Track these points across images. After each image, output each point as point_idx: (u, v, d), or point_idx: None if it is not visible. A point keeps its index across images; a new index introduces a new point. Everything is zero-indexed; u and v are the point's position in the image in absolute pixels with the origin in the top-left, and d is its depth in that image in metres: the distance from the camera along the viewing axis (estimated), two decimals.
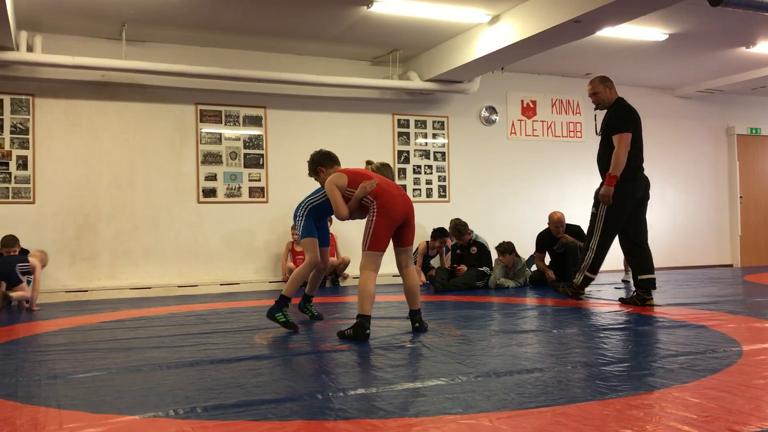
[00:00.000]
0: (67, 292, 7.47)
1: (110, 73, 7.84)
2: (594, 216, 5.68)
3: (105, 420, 2.42)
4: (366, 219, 4.46)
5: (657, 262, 6.11)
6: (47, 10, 7.00)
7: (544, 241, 7.90)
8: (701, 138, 11.75)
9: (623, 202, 5.61)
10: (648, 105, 11.35)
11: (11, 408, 2.65)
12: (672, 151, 11.49)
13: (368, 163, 5.02)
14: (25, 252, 7.21)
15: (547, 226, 7.91)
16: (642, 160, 5.78)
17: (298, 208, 4.89)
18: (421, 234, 8.65)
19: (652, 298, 5.67)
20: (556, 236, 7.69)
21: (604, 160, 5.71)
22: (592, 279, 5.87)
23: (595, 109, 5.99)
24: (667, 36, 8.15)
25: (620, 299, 5.96)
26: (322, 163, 4.83)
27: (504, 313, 5.57)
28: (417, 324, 4.48)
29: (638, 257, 5.71)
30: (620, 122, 5.58)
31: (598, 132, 5.86)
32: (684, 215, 11.54)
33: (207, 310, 6.07)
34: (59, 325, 5.29)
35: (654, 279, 5.70)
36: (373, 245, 4.33)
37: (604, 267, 9.07)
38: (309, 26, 7.73)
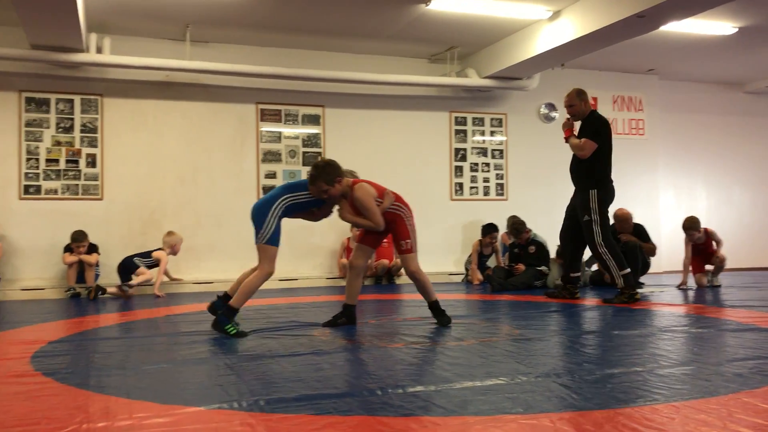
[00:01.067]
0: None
1: (174, 74, 8.05)
2: (589, 223, 6.00)
3: (172, 410, 2.49)
4: (398, 224, 4.62)
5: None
6: (115, 13, 7.24)
7: None
8: None
9: (608, 205, 6.10)
10: (715, 101, 11.03)
11: (84, 396, 2.75)
12: (740, 148, 11.13)
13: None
14: (93, 247, 7.49)
15: (612, 224, 7.71)
16: (611, 170, 6.18)
17: (267, 203, 4.45)
18: (475, 232, 8.60)
19: (578, 291, 6.39)
20: (620, 232, 7.49)
21: (579, 170, 6.14)
22: (629, 272, 6.03)
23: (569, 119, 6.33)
24: (736, 29, 7.89)
25: (546, 293, 6.58)
26: (339, 173, 4.50)
27: (563, 313, 5.50)
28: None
29: (577, 256, 6.34)
30: (595, 132, 5.98)
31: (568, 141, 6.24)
32: (752, 215, 11.16)
33: (267, 305, 6.17)
34: (126, 318, 5.47)
35: (581, 276, 6.50)
36: (415, 247, 4.66)
37: (667, 268, 8.86)
38: (367, 25, 7.78)
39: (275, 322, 4.93)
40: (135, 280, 7.16)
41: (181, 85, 8.20)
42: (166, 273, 7.52)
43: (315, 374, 3.12)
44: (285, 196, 4.48)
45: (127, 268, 7.32)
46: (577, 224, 6.14)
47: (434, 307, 4.72)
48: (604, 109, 10.16)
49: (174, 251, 7.60)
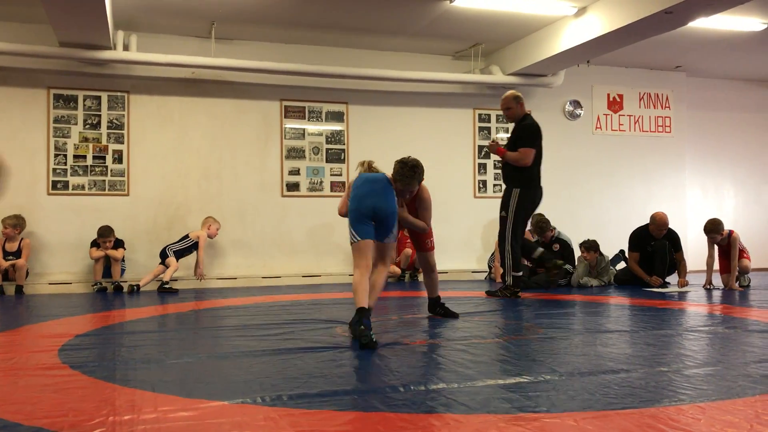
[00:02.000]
0: (158, 281, 7.78)
1: (200, 71, 8.11)
2: (504, 219, 6.22)
3: (196, 404, 2.52)
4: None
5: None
6: (142, 10, 7.31)
7: (640, 239, 7.59)
8: None
9: (527, 207, 6.28)
10: (743, 98, 10.87)
11: (110, 389, 2.79)
12: None
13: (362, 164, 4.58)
14: (119, 242, 7.58)
15: (642, 224, 7.63)
16: (540, 172, 6.36)
17: (393, 200, 4.21)
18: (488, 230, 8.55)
19: (519, 291, 6.34)
20: (657, 237, 7.40)
21: (508, 170, 6.30)
22: (521, 275, 6.34)
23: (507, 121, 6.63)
24: (765, 26, 7.76)
25: (486, 292, 6.62)
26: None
27: (587, 311, 5.46)
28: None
29: (517, 257, 6.32)
30: (530, 138, 6.21)
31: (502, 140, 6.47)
32: None
33: (290, 301, 6.21)
34: (151, 312, 5.53)
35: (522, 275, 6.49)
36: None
37: (693, 268, 8.75)
38: (391, 22, 7.77)
39: (298, 318, 4.95)
40: (146, 278, 7.42)
41: (206, 82, 8.27)
42: (199, 272, 7.64)
43: (337, 370, 3.13)
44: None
45: (162, 257, 7.55)
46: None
47: (438, 302, 5.02)
48: (631, 107, 10.07)
49: (211, 233, 7.79)
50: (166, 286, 7.26)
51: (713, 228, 7.07)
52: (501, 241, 6.31)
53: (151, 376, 3.03)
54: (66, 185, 7.85)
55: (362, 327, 3.69)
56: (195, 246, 7.67)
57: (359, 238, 4.05)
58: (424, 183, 4.53)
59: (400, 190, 4.29)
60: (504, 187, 6.39)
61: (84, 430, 2.23)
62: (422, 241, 4.84)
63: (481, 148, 9.39)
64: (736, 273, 7.12)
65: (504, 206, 6.26)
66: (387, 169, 4.47)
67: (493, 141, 6.39)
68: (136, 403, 2.56)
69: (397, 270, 8.44)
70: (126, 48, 7.68)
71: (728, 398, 2.57)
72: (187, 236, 7.70)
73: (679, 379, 2.91)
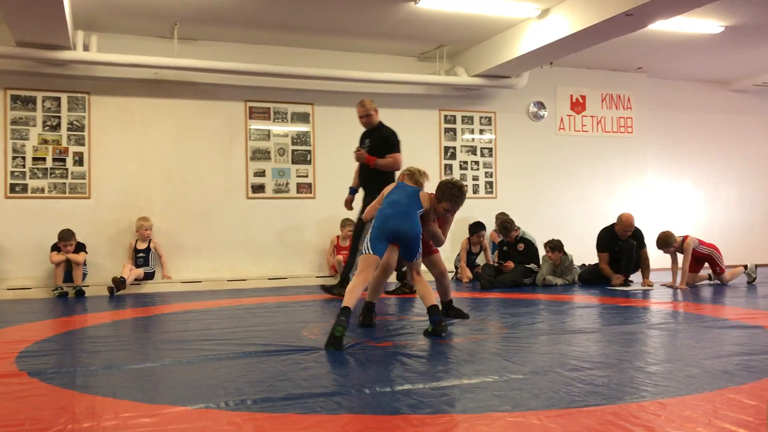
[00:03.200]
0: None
1: (162, 71, 8.01)
2: (363, 222, 5.99)
3: (158, 410, 2.48)
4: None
5: None
6: (103, 10, 7.19)
7: (606, 240, 7.64)
8: (757, 133, 11.42)
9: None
10: (701, 100, 11.10)
11: (70, 397, 2.74)
12: (726, 146, 11.21)
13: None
14: (81, 246, 7.44)
15: (608, 224, 7.72)
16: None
17: (417, 224, 4.37)
18: (466, 230, 8.61)
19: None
20: (623, 238, 7.49)
21: (370, 175, 6.34)
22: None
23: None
24: (722, 28, 7.93)
25: (321, 287, 6.74)
26: None
27: (552, 310, 5.51)
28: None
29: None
30: (397, 144, 6.43)
31: (362, 148, 6.44)
32: (738, 213, 11.24)
33: (256, 304, 6.16)
34: (113, 317, 5.43)
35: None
36: None
37: (656, 266, 8.92)
38: (356, 23, 7.76)
39: (263, 321, 4.92)
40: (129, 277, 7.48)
41: (169, 83, 8.16)
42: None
43: (303, 373, 3.11)
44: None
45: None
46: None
47: (451, 305, 5.01)
48: (593, 107, 10.21)
49: (142, 235, 7.77)
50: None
51: (664, 242, 7.17)
52: (356, 242, 6.28)
53: (112, 382, 2.98)
54: (25, 188, 7.68)
55: (341, 318, 3.80)
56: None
57: (371, 252, 4.21)
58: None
59: (444, 211, 4.49)
60: (364, 194, 6.39)
61: None
62: (426, 245, 4.78)
63: (447, 149, 9.43)
64: (686, 276, 7.20)
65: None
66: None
67: (359, 150, 6.36)
68: (96, 410, 2.52)
69: None
70: (86, 48, 7.54)
71: (688, 394, 2.61)
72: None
73: (640, 376, 2.95)
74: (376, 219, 4.36)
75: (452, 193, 4.43)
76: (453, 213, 4.58)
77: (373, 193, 6.03)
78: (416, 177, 4.66)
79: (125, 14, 7.34)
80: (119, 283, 7.23)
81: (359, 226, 6.30)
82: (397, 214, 4.29)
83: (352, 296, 3.99)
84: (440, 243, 4.73)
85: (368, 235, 4.30)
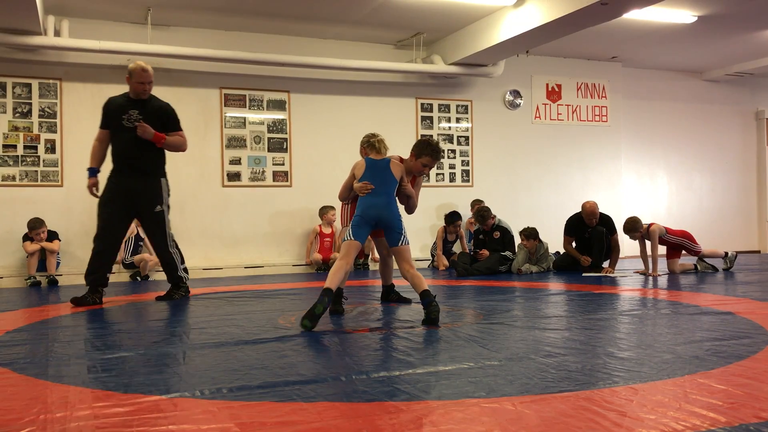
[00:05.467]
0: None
1: (136, 58, 7.88)
2: (162, 213, 5.43)
3: (132, 399, 2.46)
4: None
5: None
6: None
7: (574, 225, 7.79)
8: (729, 122, 11.58)
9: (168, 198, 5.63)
10: (675, 89, 11.22)
11: (42, 386, 2.70)
12: (699, 135, 11.36)
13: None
14: (53, 234, 7.35)
15: (577, 211, 7.81)
16: None
17: (395, 205, 4.43)
18: (442, 219, 8.63)
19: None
20: (591, 225, 7.59)
21: (147, 158, 5.40)
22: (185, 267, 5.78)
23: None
24: (696, 18, 8.01)
25: (157, 298, 5.67)
26: None
27: (527, 298, 5.56)
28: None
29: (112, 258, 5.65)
30: (178, 120, 5.57)
31: (135, 122, 5.33)
32: (710, 201, 11.41)
33: (231, 293, 6.13)
34: (87, 306, 5.37)
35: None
36: None
37: (628, 253, 9.00)
38: (333, 10, 7.72)
39: (240, 310, 4.90)
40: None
41: None
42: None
43: (279, 361, 3.11)
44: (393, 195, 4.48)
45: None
46: (124, 219, 5.47)
47: (392, 289, 5.19)
48: (569, 96, 10.27)
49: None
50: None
51: (631, 227, 7.26)
52: (164, 237, 5.47)
53: (86, 372, 2.95)
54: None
55: (324, 299, 3.90)
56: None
57: (352, 238, 4.28)
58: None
59: (422, 167, 4.64)
60: (145, 178, 5.42)
61: (13, 429, 2.15)
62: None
63: (423, 137, 9.41)
64: (657, 263, 7.29)
65: (157, 199, 5.41)
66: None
67: (142, 123, 5.28)
68: (70, 399, 2.49)
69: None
70: (57, 34, 7.42)
71: (659, 379, 2.65)
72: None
73: (613, 361, 2.99)
74: (358, 206, 4.39)
75: (432, 149, 4.62)
76: (430, 169, 4.73)
77: (155, 179, 5.38)
78: (379, 147, 4.59)
79: None
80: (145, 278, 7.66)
81: (162, 219, 5.49)
82: (376, 204, 4.32)
83: (335, 279, 4.06)
84: (413, 206, 4.77)
85: (350, 222, 4.39)
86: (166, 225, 5.50)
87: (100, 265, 5.36)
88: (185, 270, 5.74)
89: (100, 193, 5.47)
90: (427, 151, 4.61)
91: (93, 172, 5.48)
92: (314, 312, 3.86)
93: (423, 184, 9.35)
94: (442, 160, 9.52)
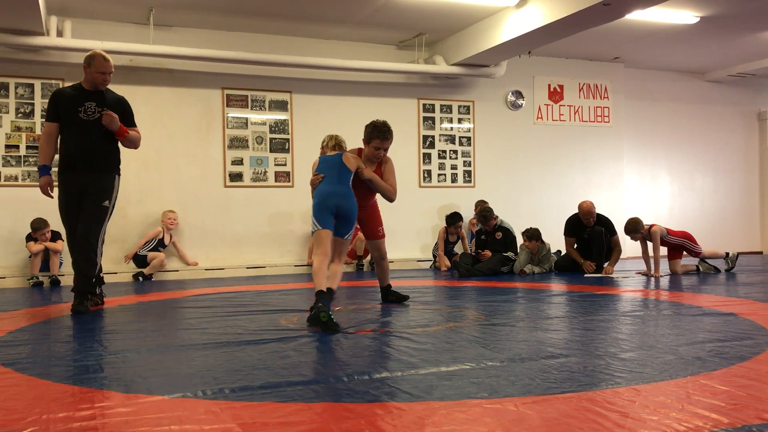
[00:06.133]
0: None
1: (138, 58, 7.90)
2: (105, 210, 5.02)
3: (135, 399, 2.46)
4: (376, 210, 5.00)
5: None
6: None
7: (573, 226, 7.78)
8: (732, 123, 11.57)
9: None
10: (677, 90, 11.21)
11: (45, 387, 2.71)
12: (701, 136, 11.35)
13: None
14: (56, 234, 7.36)
15: (576, 212, 7.80)
16: None
17: (353, 197, 4.50)
18: (439, 219, 8.63)
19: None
20: (588, 225, 7.59)
21: (103, 152, 5.04)
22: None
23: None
24: (698, 19, 8.00)
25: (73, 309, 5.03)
26: None
27: (529, 298, 5.56)
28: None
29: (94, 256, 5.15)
30: (133, 114, 5.22)
31: (93, 115, 4.94)
32: (713, 201, 11.39)
33: (233, 293, 6.13)
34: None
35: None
36: None
37: (630, 254, 8.99)
38: (335, 10, 7.72)
39: (241, 310, 4.90)
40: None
41: (145, 69, 8.06)
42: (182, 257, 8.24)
43: (281, 362, 3.11)
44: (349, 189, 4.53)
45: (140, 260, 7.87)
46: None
47: (390, 289, 5.18)
48: (571, 97, 10.25)
49: (164, 224, 7.98)
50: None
51: (632, 228, 7.25)
52: (96, 234, 4.96)
53: (88, 372, 2.95)
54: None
55: (320, 304, 3.88)
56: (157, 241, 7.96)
57: (320, 227, 4.32)
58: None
59: (375, 150, 4.65)
60: (99, 175, 5.02)
61: (16, 429, 2.15)
62: (374, 229, 5.01)
63: (425, 138, 9.44)
64: (659, 263, 7.27)
65: (106, 195, 5.03)
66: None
67: (108, 111, 4.92)
68: (72, 399, 2.49)
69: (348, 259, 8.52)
70: (60, 34, 7.43)
71: (662, 380, 2.65)
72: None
73: (615, 362, 2.98)
74: (316, 196, 4.47)
75: (378, 130, 4.63)
76: (385, 150, 4.70)
77: (110, 174, 5.06)
78: (336, 141, 4.78)
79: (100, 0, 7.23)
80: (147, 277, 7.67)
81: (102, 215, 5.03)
82: (335, 193, 4.42)
83: (319, 277, 4.11)
84: (391, 195, 4.78)
85: (312, 213, 4.42)
86: (105, 223, 5.04)
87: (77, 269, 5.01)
88: (100, 278, 5.29)
89: (55, 193, 5.05)
90: (374, 134, 4.64)
91: (46, 170, 4.97)
92: (322, 320, 3.79)
93: (426, 184, 9.43)
94: (443, 160, 9.52)
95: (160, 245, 7.94)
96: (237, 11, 7.70)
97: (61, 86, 7.74)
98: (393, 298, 5.15)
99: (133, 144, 5.20)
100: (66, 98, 4.96)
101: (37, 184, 5.04)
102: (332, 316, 3.86)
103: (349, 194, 4.46)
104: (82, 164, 4.96)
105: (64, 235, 7.36)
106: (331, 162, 4.59)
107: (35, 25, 6.85)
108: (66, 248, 7.23)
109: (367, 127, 4.72)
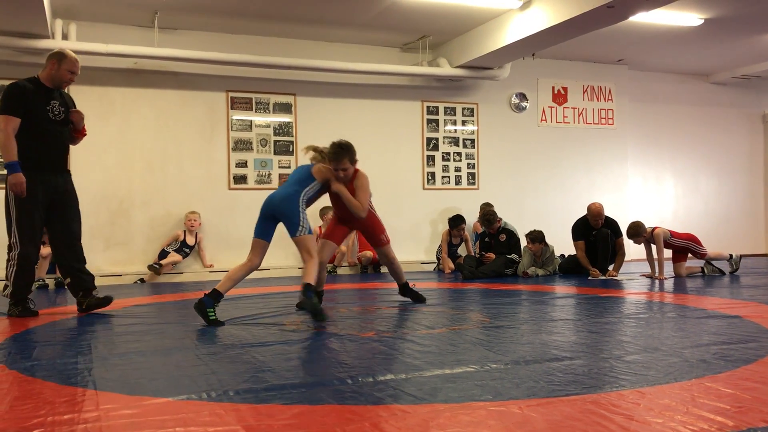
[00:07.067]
0: (102, 276, 7.59)
1: (143, 61, 7.93)
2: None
3: (139, 402, 2.47)
4: (373, 218, 5.04)
5: None
6: None
7: (581, 229, 7.74)
8: (736, 125, 11.55)
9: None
10: (681, 92, 11.19)
11: (50, 388, 2.72)
12: (705, 138, 11.32)
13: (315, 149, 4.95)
14: None
15: (583, 215, 7.77)
16: None
17: (292, 197, 4.49)
18: (442, 221, 8.63)
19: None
20: (596, 227, 7.57)
21: (63, 150, 4.96)
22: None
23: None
24: (702, 21, 7.99)
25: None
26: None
27: (533, 301, 5.55)
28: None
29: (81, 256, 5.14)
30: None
31: (60, 115, 4.88)
32: (717, 204, 11.37)
33: (238, 295, 6.13)
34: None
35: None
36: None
37: (634, 257, 8.97)
38: (338, 13, 7.73)
39: (245, 312, 4.91)
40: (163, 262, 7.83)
41: (149, 72, 8.08)
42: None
43: (285, 364, 3.11)
44: (302, 191, 4.57)
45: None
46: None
47: (407, 287, 5.28)
48: (575, 99, 10.25)
49: (186, 226, 8.10)
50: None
51: (634, 232, 7.24)
52: (80, 237, 5.04)
53: (93, 374, 2.96)
54: (2, 179, 7.58)
55: (199, 301, 4.25)
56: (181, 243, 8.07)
57: (254, 236, 4.50)
58: (361, 170, 4.87)
59: (334, 171, 4.69)
60: (67, 176, 4.99)
61: (22, 430, 2.16)
62: (376, 236, 5.06)
63: (429, 140, 9.44)
64: (663, 266, 7.24)
65: (76, 196, 5.05)
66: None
67: (78, 110, 4.99)
68: (77, 401, 2.50)
69: (352, 260, 8.52)
70: (65, 37, 7.45)
71: (666, 383, 2.65)
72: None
73: (620, 365, 2.98)
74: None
75: (331, 151, 4.67)
76: (343, 170, 4.70)
77: (63, 163, 4.92)
78: (319, 151, 4.86)
79: (105, 2, 7.26)
80: (155, 269, 7.71)
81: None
82: (273, 198, 4.53)
83: (225, 279, 4.38)
84: (357, 210, 4.77)
85: None
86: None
87: (32, 276, 4.94)
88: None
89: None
90: (329, 156, 4.69)
91: (18, 167, 4.62)
92: (203, 317, 4.16)
93: (430, 186, 9.42)
94: (447, 163, 9.51)
95: (184, 246, 8.00)
96: (241, 14, 7.71)
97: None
98: (412, 296, 5.26)
99: (78, 143, 5.17)
100: (31, 94, 4.74)
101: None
102: (210, 313, 4.21)
103: (286, 195, 4.48)
104: (51, 166, 4.84)
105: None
106: (300, 169, 4.76)
107: (40, 28, 6.88)
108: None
109: (329, 146, 4.75)
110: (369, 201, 4.94)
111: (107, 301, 5.08)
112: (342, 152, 4.66)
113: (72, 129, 5.00)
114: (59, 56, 4.82)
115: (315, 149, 4.88)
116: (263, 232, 4.52)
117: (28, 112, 4.71)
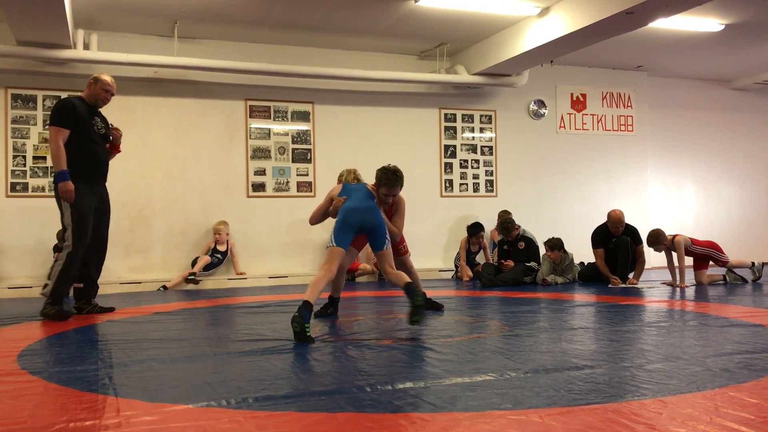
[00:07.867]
0: (122, 284, 7.67)
1: (162, 70, 8.00)
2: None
3: (160, 408, 2.48)
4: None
5: None
6: (103, 9, 7.19)
7: (601, 237, 7.67)
8: (758, 131, 11.42)
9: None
10: (702, 98, 11.09)
11: (71, 395, 2.74)
12: (726, 145, 11.21)
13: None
14: None
15: (602, 222, 7.72)
16: None
17: (377, 211, 4.57)
18: (460, 229, 8.61)
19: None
20: (616, 234, 7.50)
21: (104, 165, 5.50)
22: None
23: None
24: (723, 26, 7.93)
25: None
26: None
27: (552, 309, 5.51)
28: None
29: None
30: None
31: (101, 130, 5.41)
32: (739, 210, 11.24)
33: (257, 302, 6.15)
34: (113, 316, 5.43)
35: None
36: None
37: (655, 264, 8.89)
38: (356, 21, 7.76)
39: (264, 320, 4.92)
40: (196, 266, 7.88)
41: (169, 81, 8.16)
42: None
43: (304, 371, 3.12)
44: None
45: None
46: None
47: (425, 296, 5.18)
48: (594, 106, 10.19)
49: (216, 239, 8.14)
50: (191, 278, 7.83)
51: (654, 240, 7.17)
52: (105, 242, 5.54)
53: (114, 381, 2.98)
54: (26, 187, 7.69)
55: (297, 314, 3.91)
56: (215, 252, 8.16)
57: (334, 245, 4.37)
58: (401, 195, 4.90)
59: (384, 196, 4.68)
60: (106, 188, 5.54)
61: None
62: (395, 246, 5.03)
63: (447, 147, 9.43)
64: (684, 273, 7.15)
65: (109, 208, 5.59)
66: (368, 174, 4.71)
67: (117, 128, 5.62)
68: (98, 408, 2.52)
69: (369, 267, 8.50)
70: (86, 47, 7.54)
71: (689, 392, 2.61)
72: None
73: (641, 374, 2.95)
74: (340, 213, 4.53)
75: (387, 177, 4.64)
76: (392, 196, 4.73)
77: (104, 176, 5.40)
78: (355, 176, 5.19)
79: (125, 13, 7.34)
80: (194, 281, 7.80)
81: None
82: (360, 209, 4.48)
83: (314, 291, 4.13)
84: (394, 236, 4.87)
85: (333, 229, 4.46)
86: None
87: (74, 278, 5.25)
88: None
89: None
90: (383, 181, 4.65)
91: (66, 175, 5.03)
92: (294, 330, 3.89)
93: (448, 194, 9.41)
94: (465, 170, 9.49)
95: (216, 253, 8.11)
96: (260, 23, 7.77)
97: None
98: (428, 306, 5.17)
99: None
100: (81, 110, 5.21)
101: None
102: (307, 329, 3.88)
103: (373, 209, 4.53)
104: (99, 177, 5.39)
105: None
106: (357, 187, 4.75)
107: (63, 38, 6.97)
108: None
109: (378, 171, 4.71)
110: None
111: (110, 310, 5.52)
112: (398, 180, 4.67)
113: (109, 145, 5.50)
114: (95, 78, 5.38)
115: (356, 177, 5.21)
116: (346, 242, 4.43)
117: (77, 126, 5.15)
